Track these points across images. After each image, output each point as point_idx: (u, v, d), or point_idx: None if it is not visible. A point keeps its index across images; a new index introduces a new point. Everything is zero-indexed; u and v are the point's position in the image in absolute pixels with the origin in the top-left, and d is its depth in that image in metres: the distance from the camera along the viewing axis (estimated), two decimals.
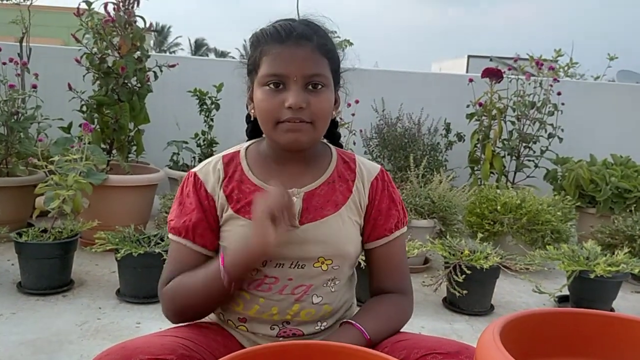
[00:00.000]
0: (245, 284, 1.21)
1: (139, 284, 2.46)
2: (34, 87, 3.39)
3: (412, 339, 1.18)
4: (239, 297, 1.22)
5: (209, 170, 1.23)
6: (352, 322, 1.16)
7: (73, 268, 2.65)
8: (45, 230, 2.60)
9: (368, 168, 1.29)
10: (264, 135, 1.28)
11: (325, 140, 1.32)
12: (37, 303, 2.40)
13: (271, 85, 1.14)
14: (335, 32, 1.26)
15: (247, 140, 1.33)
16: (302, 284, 1.20)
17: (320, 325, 1.23)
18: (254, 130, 1.32)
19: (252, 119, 1.29)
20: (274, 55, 1.14)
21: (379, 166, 1.31)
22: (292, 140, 1.15)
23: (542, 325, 0.98)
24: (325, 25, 1.23)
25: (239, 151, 1.27)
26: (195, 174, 1.23)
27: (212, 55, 35.80)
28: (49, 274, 2.50)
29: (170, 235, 1.24)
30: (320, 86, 1.15)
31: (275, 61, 1.14)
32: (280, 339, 1.21)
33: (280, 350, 0.93)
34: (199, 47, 38.33)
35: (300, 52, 1.14)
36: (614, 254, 2.68)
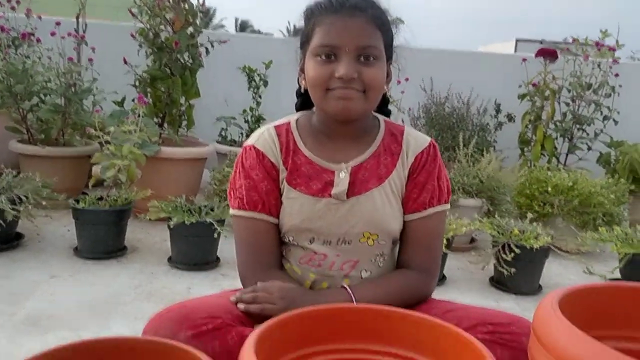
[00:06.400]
0: (294, 259, 1.24)
1: (190, 251, 2.52)
2: (91, 60, 3.49)
3: (461, 309, 1.19)
4: (292, 273, 1.25)
5: (267, 141, 1.23)
6: (345, 287, 1.18)
7: (126, 235, 2.74)
8: (101, 198, 2.69)
9: (416, 140, 1.26)
10: (313, 109, 1.28)
11: (375, 114, 1.30)
12: (92, 266, 2.50)
13: (322, 56, 1.14)
14: (387, 10, 1.26)
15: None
16: (349, 259, 1.22)
17: None
18: (303, 103, 1.32)
19: (302, 91, 1.29)
20: (326, 25, 1.14)
21: (429, 139, 1.27)
22: (342, 108, 1.14)
23: (601, 298, 0.97)
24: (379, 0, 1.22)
25: (289, 122, 1.27)
26: (254, 147, 1.23)
27: None
28: (104, 239, 2.59)
29: (240, 212, 1.22)
30: (372, 58, 1.14)
31: (327, 32, 1.14)
32: None
33: (326, 314, 0.95)
34: (243, 28, 38.53)
35: (353, 23, 1.13)
36: None
